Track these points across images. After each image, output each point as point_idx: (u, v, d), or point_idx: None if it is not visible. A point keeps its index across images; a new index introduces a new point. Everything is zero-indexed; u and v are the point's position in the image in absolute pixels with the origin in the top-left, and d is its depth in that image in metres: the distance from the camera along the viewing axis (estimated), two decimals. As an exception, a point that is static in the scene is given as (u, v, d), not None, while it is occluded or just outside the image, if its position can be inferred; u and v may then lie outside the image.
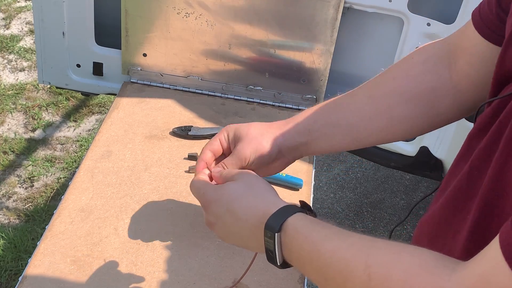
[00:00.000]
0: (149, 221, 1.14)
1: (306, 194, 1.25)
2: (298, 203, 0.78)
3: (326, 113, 0.90)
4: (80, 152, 2.67)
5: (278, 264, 0.72)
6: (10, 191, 2.46)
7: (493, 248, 0.50)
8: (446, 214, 0.70)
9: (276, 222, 0.71)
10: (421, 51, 0.88)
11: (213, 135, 1.15)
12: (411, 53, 0.90)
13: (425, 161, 1.55)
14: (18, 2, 3.65)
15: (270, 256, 0.73)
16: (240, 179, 0.80)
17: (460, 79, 0.83)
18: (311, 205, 1.23)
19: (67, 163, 2.61)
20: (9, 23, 3.45)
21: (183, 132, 1.37)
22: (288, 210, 0.72)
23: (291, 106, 1.53)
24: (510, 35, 0.66)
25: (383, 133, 0.88)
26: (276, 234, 0.70)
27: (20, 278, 1.01)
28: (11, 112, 2.85)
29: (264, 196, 0.77)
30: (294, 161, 0.93)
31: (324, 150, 0.92)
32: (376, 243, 0.63)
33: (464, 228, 0.65)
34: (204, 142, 1.36)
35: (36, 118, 2.82)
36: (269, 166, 0.90)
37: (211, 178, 0.88)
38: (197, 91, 1.55)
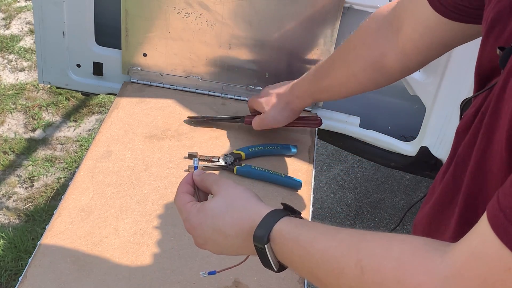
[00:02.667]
0: (149, 221, 1.14)
1: (306, 195, 1.25)
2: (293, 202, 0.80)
3: (317, 82, 1.21)
4: (80, 152, 2.67)
5: (275, 270, 0.74)
6: (10, 191, 2.46)
7: (482, 224, 0.51)
8: (436, 211, 0.71)
9: (263, 234, 0.72)
10: (375, 18, 1.03)
11: (235, 117, 1.42)
12: (367, 20, 1.05)
13: (425, 161, 1.55)
14: (18, 2, 3.65)
15: (266, 264, 0.74)
16: (219, 194, 0.80)
17: (405, 42, 0.94)
18: (310, 205, 1.23)
19: (67, 163, 2.61)
20: (9, 23, 3.45)
21: (201, 119, 1.42)
22: (272, 218, 0.73)
23: (291, 106, 1.53)
24: (486, 32, 0.66)
25: (356, 92, 1.15)
26: (265, 245, 0.71)
27: (20, 278, 1.01)
28: (11, 112, 2.85)
29: (246, 207, 0.77)
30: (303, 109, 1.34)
31: (328, 99, 1.39)
32: (365, 236, 0.64)
33: (452, 222, 0.66)
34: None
35: (36, 118, 2.82)
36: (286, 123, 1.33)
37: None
38: (197, 91, 1.55)
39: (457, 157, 0.67)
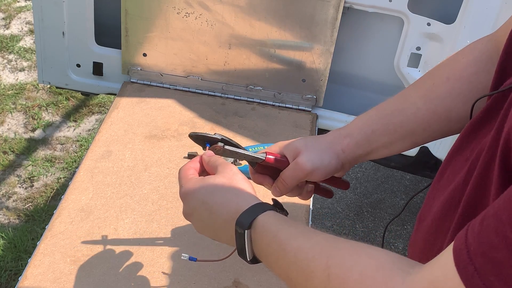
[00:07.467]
0: (149, 221, 1.14)
1: (306, 194, 1.25)
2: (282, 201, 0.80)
3: (383, 121, 0.91)
4: (80, 152, 2.66)
5: (248, 259, 0.75)
6: (10, 191, 2.46)
7: (446, 255, 0.50)
8: (441, 213, 0.70)
9: (246, 220, 0.73)
10: (470, 51, 0.88)
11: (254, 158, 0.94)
12: (460, 51, 0.89)
13: (425, 161, 1.55)
14: (18, 2, 3.65)
15: (241, 251, 0.75)
16: (220, 173, 0.81)
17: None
18: (310, 205, 1.23)
19: (67, 163, 2.61)
20: (9, 23, 3.45)
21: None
22: (259, 208, 0.74)
23: (291, 106, 1.53)
24: None
25: (442, 134, 0.90)
26: (246, 231, 0.73)
27: (20, 278, 1.01)
28: (11, 112, 2.85)
29: (239, 192, 0.78)
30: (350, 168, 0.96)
31: (385, 155, 0.94)
32: (338, 244, 0.65)
33: (451, 229, 0.65)
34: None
35: (36, 118, 2.82)
36: (326, 175, 0.93)
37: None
38: (197, 91, 1.55)
39: (471, 163, 0.65)
